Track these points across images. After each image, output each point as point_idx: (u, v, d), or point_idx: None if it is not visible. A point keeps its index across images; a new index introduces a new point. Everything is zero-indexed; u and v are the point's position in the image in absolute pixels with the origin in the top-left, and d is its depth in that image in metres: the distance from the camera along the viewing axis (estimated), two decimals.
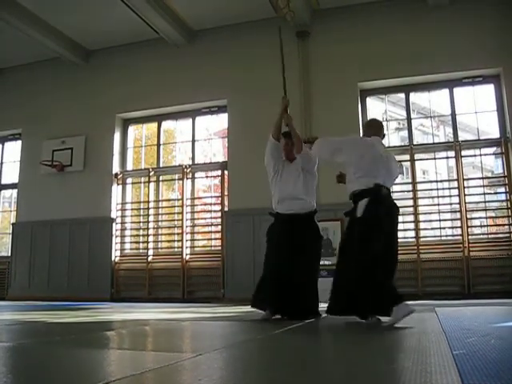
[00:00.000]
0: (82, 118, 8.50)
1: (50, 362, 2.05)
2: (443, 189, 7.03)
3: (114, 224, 8.08)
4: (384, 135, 3.78)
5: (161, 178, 8.42)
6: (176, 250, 7.95)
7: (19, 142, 9.14)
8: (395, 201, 3.64)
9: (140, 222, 8.39)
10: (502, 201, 6.87)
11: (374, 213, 3.33)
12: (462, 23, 6.88)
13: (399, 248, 3.62)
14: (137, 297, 7.65)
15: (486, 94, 7.08)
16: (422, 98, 8.38)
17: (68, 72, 8.80)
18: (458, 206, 6.68)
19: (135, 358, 2.18)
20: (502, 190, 6.91)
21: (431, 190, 7.34)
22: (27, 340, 2.87)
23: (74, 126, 8.48)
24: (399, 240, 3.66)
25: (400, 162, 5.70)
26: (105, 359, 2.16)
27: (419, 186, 7.13)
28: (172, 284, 7.60)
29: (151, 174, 8.25)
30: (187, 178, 8.06)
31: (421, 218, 6.88)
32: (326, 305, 3.53)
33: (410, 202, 6.88)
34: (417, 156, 7.16)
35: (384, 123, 5.03)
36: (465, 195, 6.67)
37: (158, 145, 8.53)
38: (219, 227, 7.72)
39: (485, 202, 6.82)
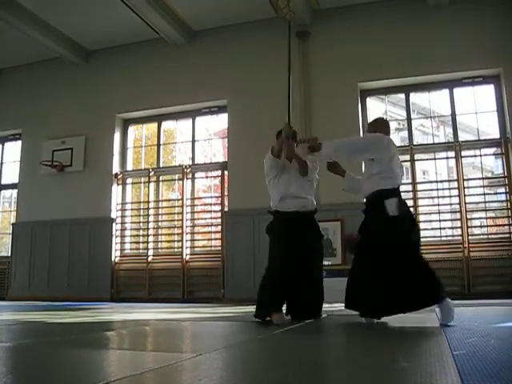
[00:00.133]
0: (82, 118, 8.50)
1: (50, 362, 2.05)
2: (443, 189, 7.02)
3: (114, 224, 8.08)
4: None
5: (161, 178, 8.42)
6: (176, 250, 7.95)
7: (19, 142, 9.14)
8: None
9: (140, 222, 8.39)
10: (502, 201, 6.87)
11: (404, 211, 3.40)
12: (462, 23, 6.88)
13: None
14: (137, 297, 7.65)
15: (486, 94, 7.08)
16: (422, 98, 8.39)
17: (68, 72, 8.80)
18: (458, 206, 6.68)
19: (135, 358, 2.18)
20: (502, 190, 6.90)
21: (431, 190, 7.34)
22: (27, 340, 2.86)
23: (74, 126, 8.48)
24: None
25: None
26: (105, 359, 2.16)
27: (419, 187, 7.13)
28: (172, 284, 7.60)
29: (151, 174, 8.25)
30: (187, 178, 8.06)
31: (421, 218, 6.88)
32: (326, 305, 3.51)
33: (410, 203, 6.86)
34: (417, 156, 7.16)
35: None
36: (465, 195, 6.67)
37: (158, 145, 8.53)
38: (219, 227, 7.72)
39: (485, 202, 6.82)
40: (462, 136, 7.45)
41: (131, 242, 8.43)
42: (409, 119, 7.35)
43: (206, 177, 8.77)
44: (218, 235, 7.75)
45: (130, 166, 8.55)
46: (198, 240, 8.22)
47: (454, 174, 7.01)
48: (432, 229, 7.10)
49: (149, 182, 8.26)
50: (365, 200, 3.61)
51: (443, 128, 9.16)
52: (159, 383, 1.65)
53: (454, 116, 7.15)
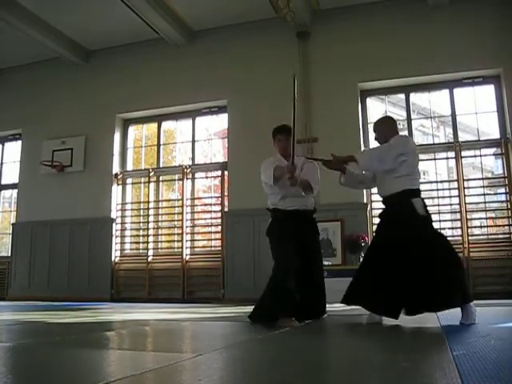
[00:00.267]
0: (81, 118, 8.50)
1: (50, 362, 2.05)
2: (443, 189, 7.02)
3: (114, 224, 8.08)
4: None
5: (161, 178, 8.42)
6: (176, 250, 7.94)
7: (19, 142, 9.13)
8: None
9: (140, 223, 8.39)
10: (502, 201, 6.87)
11: (427, 212, 3.47)
12: (462, 23, 6.88)
13: None
14: (137, 297, 7.65)
15: (486, 94, 7.08)
16: (422, 98, 8.39)
17: (68, 72, 8.80)
18: (457, 206, 6.68)
19: (135, 358, 2.18)
20: (502, 190, 6.90)
21: (431, 190, 7.33)
22: (27, 340, 2.86)
23: (74, 126, 8.48)
24: None
25: None
26: (105, 359, 2.16)
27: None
28: (172, 284, 7.60)
29: (151, 174, 8.25)
30: (187, 179, 8.06)
31: None
32: (326, 305, 3.49)
33: None
34: None
35: None
36: (465, 196, 6.67)
37: (158, 145, 8.52)
38: (219, 227, 7.72)
39: (485, 202, 6.82)
40: (462, 136, 7.45)
41: (131, 242, 8.42)
42: (409, 119, 7.34)
43: (206, 177, 8.77)
44: (218, 235, 7.75)
45: (130, 166, 8.55)
46: (198, 240, 8.22)
47: (454, 174, 7.01)
48: None
49: (149, 182, 8.26)
50: (383, 199, 3.62)
51: (443, 128, 9.16)
52: (159, 383, 1.66)
53: (454, 116, 7.15)
